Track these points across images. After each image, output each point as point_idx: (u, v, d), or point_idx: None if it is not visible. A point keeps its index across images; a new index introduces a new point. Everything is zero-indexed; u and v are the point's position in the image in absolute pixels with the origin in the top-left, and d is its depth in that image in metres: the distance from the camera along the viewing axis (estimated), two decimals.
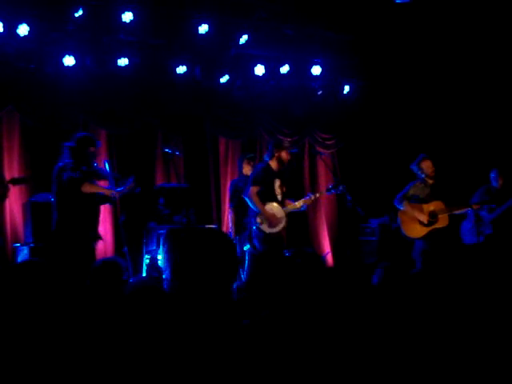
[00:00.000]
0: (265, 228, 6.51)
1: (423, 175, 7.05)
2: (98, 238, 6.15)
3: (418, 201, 7.01)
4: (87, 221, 5.94)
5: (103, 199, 6.22)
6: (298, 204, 6.86)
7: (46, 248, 6.54)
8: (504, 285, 2.91)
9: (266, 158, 6.76)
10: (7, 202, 7.26)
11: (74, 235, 5.83)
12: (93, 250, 6.03)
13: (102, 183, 6.36)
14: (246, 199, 6.53)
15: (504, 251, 6.86)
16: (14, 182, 6.72)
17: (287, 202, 6.85)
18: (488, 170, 7.70)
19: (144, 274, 7.05)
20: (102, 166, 6.36)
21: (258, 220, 6.51)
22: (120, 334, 2.59)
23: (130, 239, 6.86)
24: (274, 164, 6.64)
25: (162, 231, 7.40)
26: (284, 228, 6.73)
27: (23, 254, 6.83)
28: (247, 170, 7.38)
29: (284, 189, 6.76)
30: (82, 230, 5.87)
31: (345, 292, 2.46)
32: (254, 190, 6.46)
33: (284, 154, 6.66)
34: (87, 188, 5.85)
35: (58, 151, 7.60)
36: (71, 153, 5.92)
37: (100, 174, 6.18)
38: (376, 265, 3.24)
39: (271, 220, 6.51)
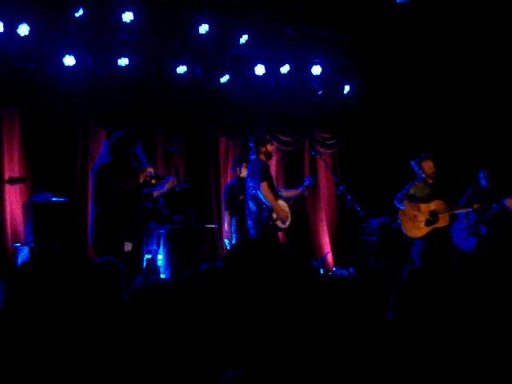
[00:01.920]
0: (279, 223, 6.60)
1: (423, 175, 7.05)
2: (136, 237, 6.04)
3: (418, 200, 7.02)
4: (128, 220, 5.87)
5: (144, 197, 6.17)
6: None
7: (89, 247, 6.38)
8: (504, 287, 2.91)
9: (252, 155, 6.79)
10: (7, 202, 7.27)
11: (114, 234, 5.78)
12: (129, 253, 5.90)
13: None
14: (260, 195, 6.52)
15: (501, 251, 6.88)
16: (12, 181, 6.72)
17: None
18: (489, 168, 7.71)
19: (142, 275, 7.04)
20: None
21: (274, 216, 6.56)
22: (121, 334, 2.59)
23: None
24: (264, 159, 6.71)
25: (162, 231, 7.41)
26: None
27: (23, 253, 6.83)
28: (245, 172, 7.34)
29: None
30: (122, 230, 5.81)
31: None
32: (265, 185, 6.51)
33: (269, 147, 6.78)
34: (140, 179, 5.87)
35: (57, 151, 7.65)
36: (110, 151, 5.90)
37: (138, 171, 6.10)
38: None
39: (283, 216, 6.62)
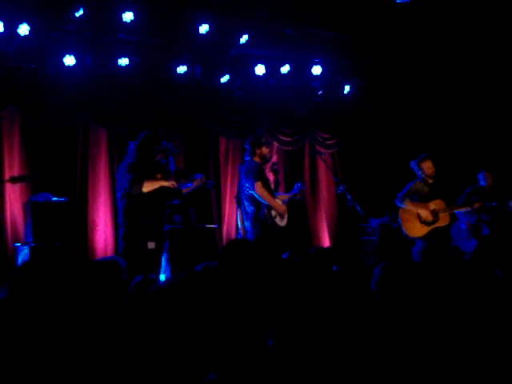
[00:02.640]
0: (277, 221, 6.61)
1: (423, 175, 7.05)
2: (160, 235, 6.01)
3: (418, 200, 7.02)
4: (154, 219, 5.86)
5: (169, 195, 6.07)
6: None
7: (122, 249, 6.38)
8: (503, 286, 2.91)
9: (246, 157, 6.82)
10: (7, 202, 7.27)
11: (137, 233, 5.78)
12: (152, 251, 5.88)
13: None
14: (255, 195, 6.54)
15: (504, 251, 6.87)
16: (13, 180, 6.72)
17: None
18: (489, 169, 7.71)
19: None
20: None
21: (273, 213, 6.57)
22: (122, 335, 2.59)
23: None
24: (258, 161, 6.72)
25: None
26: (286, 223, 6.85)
27: (23, 253, 6.84)
28: None
29: (273, 185, 6.92)
30: (145, 228, 5.79)
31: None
32: (260, 184, 6.53)
33: (264, 150, 6.80)
34: (148, 186, 5.80)
35: (57, 151, 7.65)
36: (136, 151, 5.91)
37: (164, 171, 6.04)
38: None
39: (282, 212, 6.63)
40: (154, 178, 5.89)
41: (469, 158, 8.68)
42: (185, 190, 6.26)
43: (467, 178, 7.93)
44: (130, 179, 5.77)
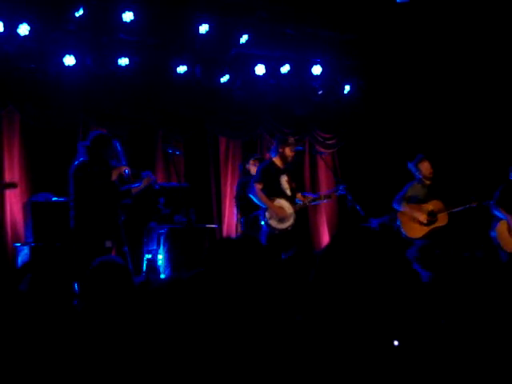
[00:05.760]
0: (273, 223, 6.55)
1: (421, 176, 7.05)
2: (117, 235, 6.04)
3: (416, 201, 7.03)
4: (107, 218, 5.90)
5: (123, 195, 6.15)
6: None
7: (64, 248, 6.46)
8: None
9: (272, 154, 6.82)
10: (7, 202, 7.28)
11: (93, 234, 5.80)
12: (109, 249, 5.95)
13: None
14: (252, 197, 6.56)
15: None
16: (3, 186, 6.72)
17: (303, 195, 7.03)
18: (489, 169, 7.68)
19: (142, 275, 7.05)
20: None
21: (267, 215, 6.54)
22: (122, 334, 2.59)
23: (130, 239, 6.85)
24: (278, 161, 6.70)
25: (162, 231, 7.42)
26: (292, 225, 6.72)
27: (23, 253, 6.84)
28: (255, 169, 7.29)
29: (293, 184, 6.82)
30: (101, 229, 5.83)
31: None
32: (258, 186, 6.54)
33: (287, 151, 6.70)
34: (114, 175, 5.90)
35: (57, 151, 7.65)
36: (86, 152, 5.92)
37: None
38: None
39: (280, 215, 6.56)
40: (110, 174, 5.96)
41: (469, 158, 8.68)
42: (134, 190, 6.25)
43: (468, 178, 7.93)
44: (96, 170, 5.79)
